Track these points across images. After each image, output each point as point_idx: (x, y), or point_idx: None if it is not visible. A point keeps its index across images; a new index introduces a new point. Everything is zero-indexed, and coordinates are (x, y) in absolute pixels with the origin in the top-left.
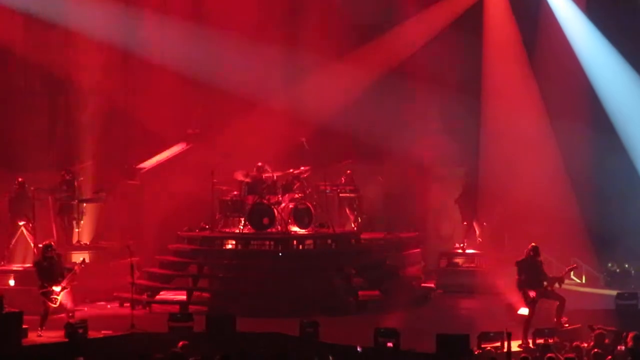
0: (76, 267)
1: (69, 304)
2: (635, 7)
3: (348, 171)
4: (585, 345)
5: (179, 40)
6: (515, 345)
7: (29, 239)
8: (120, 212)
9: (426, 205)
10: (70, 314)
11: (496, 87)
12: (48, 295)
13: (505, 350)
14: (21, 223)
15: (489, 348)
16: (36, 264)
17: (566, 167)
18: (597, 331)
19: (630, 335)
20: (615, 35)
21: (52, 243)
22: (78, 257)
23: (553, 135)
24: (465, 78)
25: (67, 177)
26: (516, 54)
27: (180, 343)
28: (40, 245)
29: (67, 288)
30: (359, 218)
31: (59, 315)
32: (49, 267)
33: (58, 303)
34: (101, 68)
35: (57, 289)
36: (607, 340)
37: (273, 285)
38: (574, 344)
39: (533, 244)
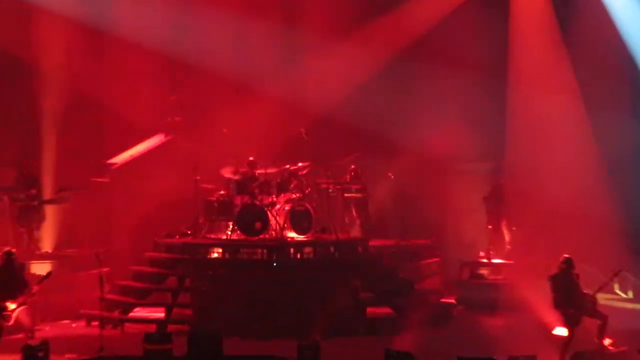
0: (35, 288)
1: (27, 323)
2: None
3: (352, 166)
4: None
5: (157, 16)
6: None
7: None
8: (88, 214)
9: (445, 207)
10: (29, 334)
11: (524, 69)
12: (1, 312)
13: None
14: None
15: None
16: None
17: (607, 162)
18: None
19: None
20: None
21: (13, 250)
22: (39, 267)
23: (591, 126)
24: (488, 59)
25: (26, 174)
26: (548, 31)
27: None
28: None
29: (25, 304)
30: (367, 222)
31: (16, 336)
32: (6, 279)
33: (12, 321)
34: (66, 48)
35: (12, 305)
36: None
37: (266, 300)
38: None
39: (566, 255)
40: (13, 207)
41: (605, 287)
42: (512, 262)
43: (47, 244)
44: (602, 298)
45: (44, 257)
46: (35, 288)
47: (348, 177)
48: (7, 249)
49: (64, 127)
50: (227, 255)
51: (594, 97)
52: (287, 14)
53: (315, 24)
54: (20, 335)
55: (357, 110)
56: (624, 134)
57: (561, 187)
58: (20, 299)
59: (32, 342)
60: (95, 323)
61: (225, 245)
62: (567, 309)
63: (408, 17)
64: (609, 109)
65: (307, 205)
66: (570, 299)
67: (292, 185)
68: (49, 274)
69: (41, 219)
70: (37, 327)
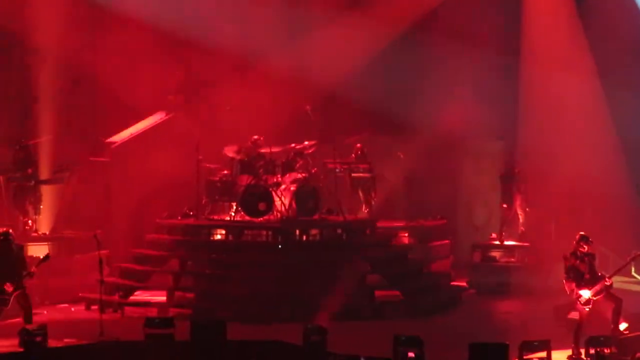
0: (33, 269)
1: (26, 306)
2: None
3: (358, 145)
4: None
5: None
6: (563, 357)
7: None
8: (87, 195)
9: (456, 187)
10: (28, 318)
11: (539, 45)
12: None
13: None
14: None
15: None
16: None
17: (622, 140)
18: None
19: None
20: None
21: (10, 231)
22: (36, 249)
23: (606, 102)
24: (501, 34)
25: (22, 154)
26: (563, 5)
27: None
28: None
29: (22, 287)
30: (375, 203)
31: (14, 320)
32: (3, 261)
33: (9, 305)
34: (63, 23)
35: (9, 288)
36: None
37: (271, 284)
38: (638, 355)
39: (582, 233)
40: (8, 187)
41: (622, 270)
42: (525, 244)
43: (44, 226)
44: (617, 281)
45: (40, 239)
46: (34, 270)
47: (354, 156)
48: (3, 229)
49: (62, 104)
50: (230, 237)
51: (611, 74)
52: None
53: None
54: (18, 319)
55: (365, 87)
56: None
57: (576, 167)
58: (19, 282)
59: (30, 327)
60: (95, 307)
61: (228, 226)
62: (579, 289)
63: None
64: (626, 87)
65: (313, 185)
66: (585, 279)
67: (297, 165)
68: (46, 256)
69: (38, 199)
70: (35, 312)
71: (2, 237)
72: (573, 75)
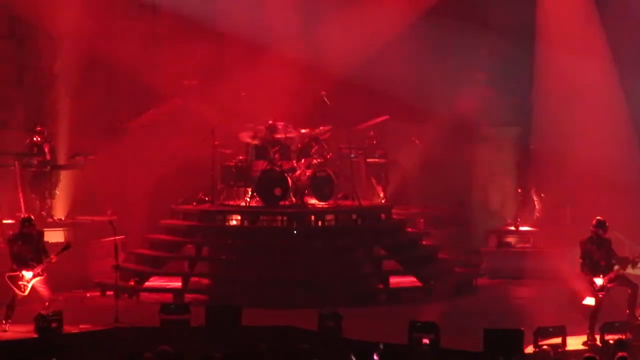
0: (53, 257)
1: (45, 293)
2: None
3: (371, 133)
4: None
5: None
6: (578, 342)
7: None
8: (102, 180)
9: (471, 173)
10: (46, 304)
11: (554, 30)
12: (16, 280)
13: (566, 348)
14: None
15: (546, 346)
16: (9, 241)
17: (638, 124)
18: None
19: None
20: None
21: (32, 217)
22: (52, 235)
23: (622, 88)
24: (517, 18)
25: (38, 139)
26: None
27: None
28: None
29: (42, 275)
30: (390, 188)
31: (31, 306)
32: (24, 247)
33: (28, 291)
34: (79, 9)
35: (28, 274)
36: None
37: (286, 269)
38: None
39: (599, 217)
40: (25, 173)
41: (635, 263)
42: (540, 229)
43: (60, 211)
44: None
45: (56, 224)
46: (53, 258)
47: (367, 142)
48: (25, 215)
49: (77, 90)
50: (245, 223)
51: (626, 59)
52: None
53: None
54: (34, 305)
55: (380, 73)
56: None
57: (592, 152)
58: (38, 269)
59: (46, 312)
60: (110, 293)
61: (244, 212)
62: (594, 275)
63: None
64: None
65: (329, 170)
66: (601, 265)
67: (313, 150)
68: (67, 246)
69: (53, 185)
70: (53, 298)
71: (23, 224)
72: (588, 59)
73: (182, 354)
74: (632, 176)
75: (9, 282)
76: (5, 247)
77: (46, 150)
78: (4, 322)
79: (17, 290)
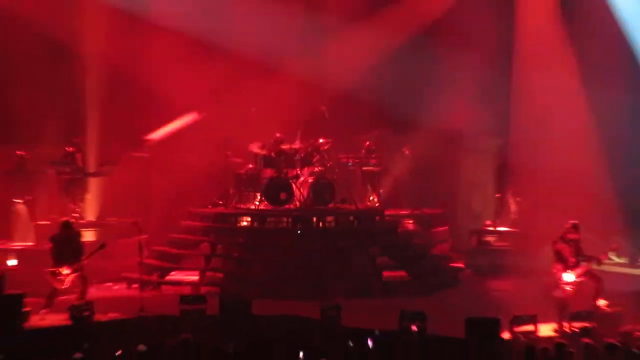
0: (87, 256)
1: (79, 286)
2: None
3: (366, 143)
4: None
5: (190, 2)
6: (549, 329)
7: (27, 217)
8: (128, 186)
9: (456, 179)
10: (82, 297)
11: (529, 51)
12: (55, 275)
13: (538, 334)
14: (19, 200)
15: (521, 333)
16: (53, 240)
17: (603, 134)
18: None
19: None
20: None
21: (72, 220)
22: (84, 235)
23: (590, 104)
24: (496, 40)
25: (71, 150)
26: (550, 15)
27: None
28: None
29: (80, 270)
30: (383, 193)
31: (64, 297)
32: (64, 246)
33: (64, 285)
34: (106, 32)
35: (66, 270)
36: None
37: (291, 265)
38: (621, 328)
39: (572, 221)
40: (59, 179)
41: (600, 262)
42: (517, 230)
43: (90, 214)
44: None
45: (87, 225)
46: (88, 257)
47: (366, 152)
48: (65, 219)
49: (105, 106)
50: (255, 224)
51: (593, 74)
52: None
53: (335, 8)
54: (68, 297)
55: (375, 90)
56: (620, 111)
57: (563, 160)
58: (76, 265)
59: (79, 303)
60: (135, 285)
61: (253, 214)
62: (563, 270)
63: (422, 1)
64: (607, 85)
65: (329, 177)
66: (570, 261)
67: (314, 160)
68: (103, 245)
69: (85, 190)
70: (86, 290)
71: (63, 226)
72: (560, 76)
73: (200, 343)
74: (598, 182)
75: (49, 277)
76: (43, 245)
77: (78, 159)
78: (42, 311)
79: (56, 284)
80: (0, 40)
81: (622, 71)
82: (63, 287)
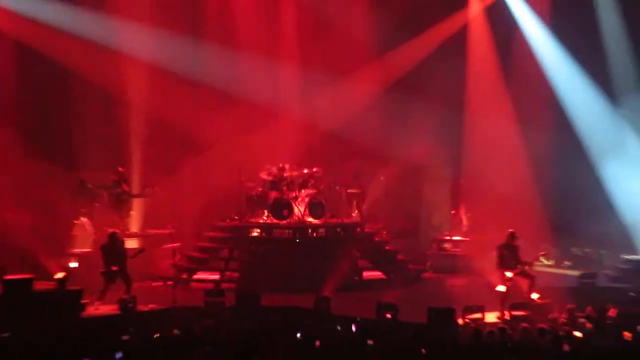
0: (129, 260)
1: (127, 283)
2: (594, 29)
3: (355, 172)
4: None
5: (211, 61)
6: (493, 317)
7: (88, 228)
8: (164, 205)
9: (420, 200)
10: (127, 291)
11: (477, 99)
12: (107, 275)
13: (485, 321)
14: (80, 215)
15: (471, 319)
16: (102, 247)
17: (536, 168)
18: (570, 306)
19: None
20: (578, 53)
21: (117, 231)
22: (129, 243)
23: (524, 140)
24: (452, 90)
25: (120, 176)
26: (493, 72)
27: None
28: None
29: (125, 269)
30: (363, 211)
31: (115, 292)
32: (113, 251)
33: (115, 281)
34: (146, 84)
35: (116, 270)
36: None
37: (291, 266)
38: (550, 315)
39: (510, 230)
40: (111, 200)
41: (532, 264)
42: (467, 239)
43: (134, 226)
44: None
45: (132, 235)
46: (131, 259)
47: (351, 178)
48: (112, 230)
49: (146, 141)
50: (263, 235)
51: (526, 118)
52: (306, 58)
53: (326, 66)
54: (117, 292)
55: (357, 130)
56: (546, 144)
57: (503, 184)
58: (121, 267)
59: (125, 296)
60: (170, 283)
61: (262, 227)
62: (505, 270)
63: (394, 62)
64: (537, 127)
65: (321, 198)
66: (510, 263)
67: (310, 184)
68: (142, 250)
69: (130, 208)
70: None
71: (111, 236)
72: (500, 117)
73: (220, 327)
74: (530, 201)
75: (103, 276)
76: (97, 251)
77: (124, 184)
78: (96, 303)
79: (107, 282)
80: (68, 89)
81: (548, 114)
82: (113, 283)
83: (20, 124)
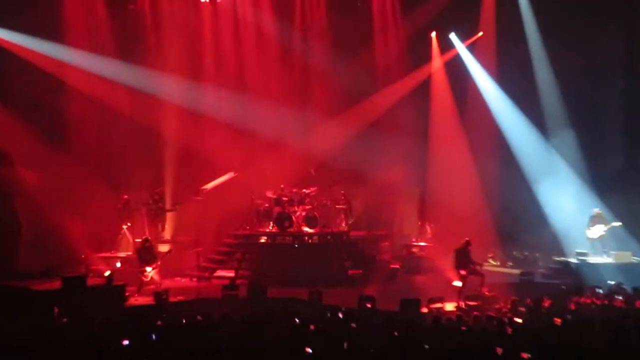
0: (159, 261)
1: (157, 279)
2: (530, 78)
3: (342, 191)
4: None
5: (229, 104)
6: (451, 306)
7: (129, 236)
8: (190, 218)
9: (394, 213)
10: (159, 285)
11: (439, 134)
12: (143, 273)
13: (445, 309)
14: (125, 226)
15: (434, 308)
16: (137, 251)
17: (485, 187)
18: (512, 298)
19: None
20: (517, 97)
21: (149, 238)
22: (163, 247)
23: (475, 165)
24: (418, 129)
25: (155, 195)
26: (451, 112)
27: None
28: (139, 240)
29: (156, 268)
30: (349, 222)
31: (150, 287)
32: (146, 254)
33: (149, 278)
34: (177, 122)
35: (149, 269)
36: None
37: (291, 266)
38: (495, 306)
39: (466, 238)
40: (149, 213)
41: (482, 265)
42: (431, 244)
43: (167, 234)
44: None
45: (165, 241)
46: (160, 260)
47: (339, 196)
48: (145, 237)
49: (177, 165)
50: (269, 241)
51: (477, 149)
52: (303, 103)
53: (318, 109)
54: (152, 286)
55: (344, 158)
56: (494, 168)
57: (460, 201)
58: (154, 266)
59: (158, 290)
60: (195, 279)
61: (268, 235)
62: (461, 269)
63: (372, 105)
64: (484, 155)
65: (315, 212)
66: (465, 263)
67: (306, 201)
68: (169, 251)
69: (164, 220)
70: (162, 281)
71: (144, 241)
72: (457, 149)
73: (234, 315)
74: (482, 215)
75: (139, 274)
76: (136, 254)
77: (159, 200)
78: (135, 295)
79: (142, 279)
80: (114, 125)
81: (494, 144)
82: (147, 279)
83: (80, 154)
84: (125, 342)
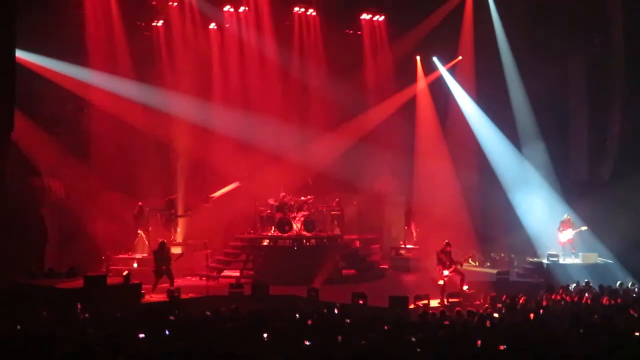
0: (173, 262)
1: (171, 278)
2: (505, 96)
3: (337, 199)
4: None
5: (234, 120)
6: (435, 303)
7: (145, 240)
8: (201, 222)
9: (382, 218)
10: (171, 284)
11: (424, 147)
12: (157, 273)
13: (430, 305)
14: (140, 231)
15: (420, 304)
16: (153, 253)
17: (465, 195)
18: (491, 295)
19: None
20: (493, 114)
21: (165, 241)
22: (176, 250)
23: (456, 175)
24: (405, 143)
25: (168, 202)
26: (435, 127)
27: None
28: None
29: (169, 269)
30: (342, 226)
31: (164, 285)
32: (161, 255)
33: (162, 277)
34: (188, 137)
35: (164, 268)
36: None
37: (291, 266)
38: (475, 302)
39: (446, 240)
40: (162, 219)
41: (462, 264)
42: (417, 247)
43: (179, 238)
44: (467, 266)
45: (177, 244)
46: (174, 262)
47: (334, 203)
48: (161, 240)
49: (189, 175)
50: (271, 244)
51: (458, 161)
52: (301, 119)
53: (316, 125)
54: (166, 285)
55: (338, 169)
56: (471, 178)
57: (442, 207)
58: (168, 267)
59: (171, 288)
60: (204, 278)
61: (270, 238)
62: (443, 269)
63: (364, 121)
64: (464, 166)
65: (312, 218)
66: (446, 264)
67: (304, 208)
68: (181, 254)
69: (176, 225)
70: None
71: (160, 245)
72: (440, 161)
73: (240, 309)
74: (463, 220)
75: (154, 274)
76: (151, 256)
77: (172, 207)
78: (151, 293)
79: (157, 277)
80: (131, 139)
81: (473, 156)
82: (161, 278)
83: (101, 165)
84: (141, 336)
